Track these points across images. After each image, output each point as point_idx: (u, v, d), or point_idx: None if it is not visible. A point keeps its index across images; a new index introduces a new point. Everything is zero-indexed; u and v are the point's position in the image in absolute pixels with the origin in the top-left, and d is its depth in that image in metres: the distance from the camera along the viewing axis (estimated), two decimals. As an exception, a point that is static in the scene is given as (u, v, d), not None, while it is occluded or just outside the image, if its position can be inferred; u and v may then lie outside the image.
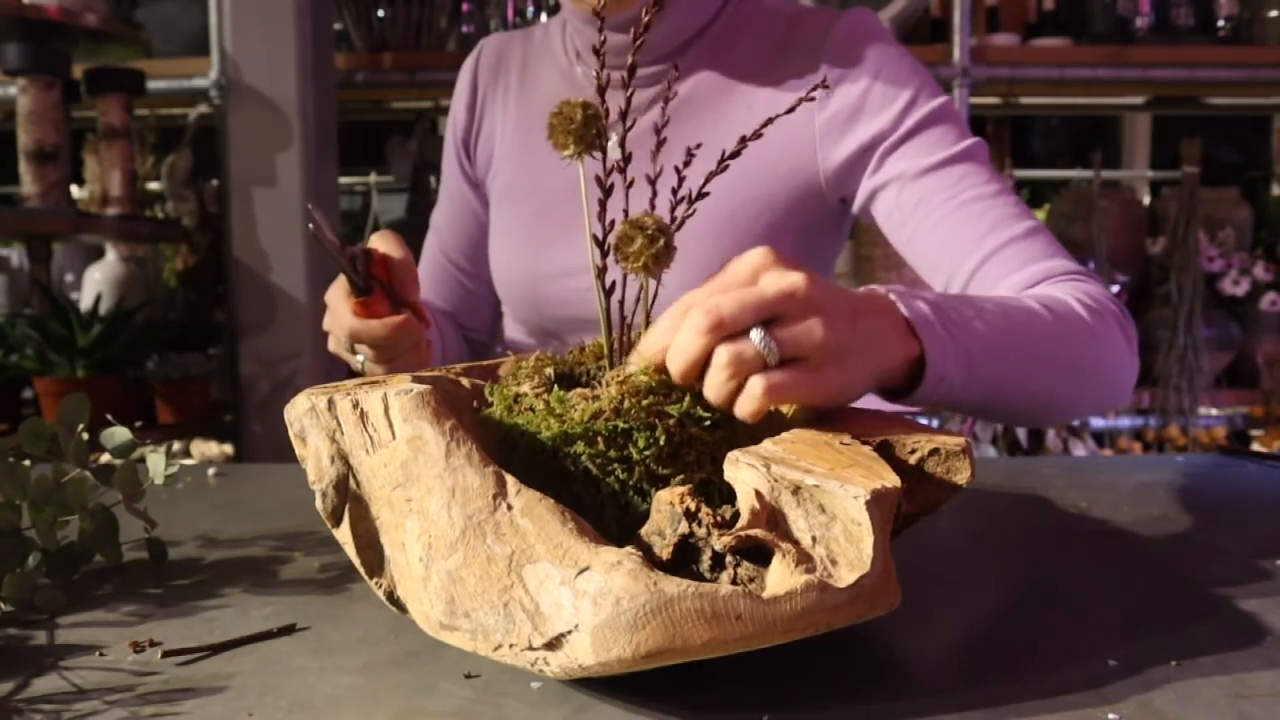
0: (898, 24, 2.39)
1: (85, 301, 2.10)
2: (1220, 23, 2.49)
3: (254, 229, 2.05)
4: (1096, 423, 2.62)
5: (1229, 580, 0.59)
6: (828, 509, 0.42)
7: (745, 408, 0.47)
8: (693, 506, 0.41)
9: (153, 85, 2.13)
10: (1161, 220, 2.60)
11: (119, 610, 0.55)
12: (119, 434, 0.66)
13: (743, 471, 0.44)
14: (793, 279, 0.49)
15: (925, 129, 0.85)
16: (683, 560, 0.41)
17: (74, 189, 2.24)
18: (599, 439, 0.47)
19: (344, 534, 0.48)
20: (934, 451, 0.48)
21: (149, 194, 2.46)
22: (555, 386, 0.50)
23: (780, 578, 0.39)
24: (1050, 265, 0.78)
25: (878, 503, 0.41)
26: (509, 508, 0.42)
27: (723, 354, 0.47)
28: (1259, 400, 2.59)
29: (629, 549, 0.39)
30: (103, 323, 1.85)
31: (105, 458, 0.66)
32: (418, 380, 0.49)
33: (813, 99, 0.51)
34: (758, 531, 0.40)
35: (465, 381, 0.56)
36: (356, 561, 0.48)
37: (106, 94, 2.00)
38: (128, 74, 2.03)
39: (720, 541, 0.40)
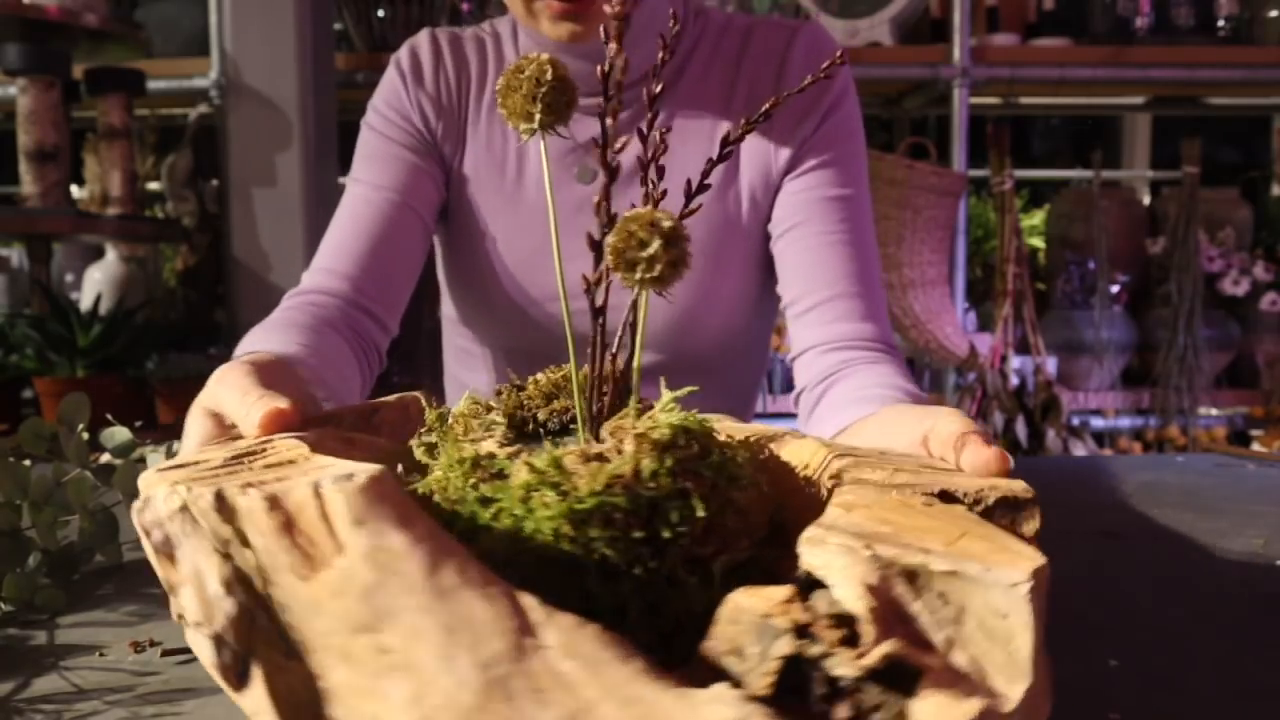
0: (897, 24, 2.39)
1: (85, 301, 2.10)
2: (1220, 23, 2.49)
3: (254, 229, 2.05)
4: (1096, 423, 2.63)
5: (1229, 580, 0.59)
6: (952, 599, 0.31)
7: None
8: (802, 619, 0.30)
9: (153, 85, 2.13)
10: (1161, 220, 2.60)
11: (119, 610, 0.55)
12: (119, 434, 0.66)
13: (836, 556, 0.32)
14: None
15: (844, 163, 0.92)
16: (782, 688, 0.30)
17: (74, 189, 2.24)
18: (617, 515, 0.34)
19: (256, 700, 0.33)
20: (1001, 501, 0.40)
21: (149, 194, 2.46)
22: (536, 444, 0.39)
23: (936, 710, 0.28)
24: (857, 328, 0.87)
25: (1038, 590, 0.31)
26: (540, 647, 0.28)
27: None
28: (1259, 400, 2.59)
29: (734, 691, 0.28)
30: (103, 323, 1.85)
31: (105, 458, 0.66)
32: (314, 437, 0.38)
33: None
34: (900, 646, 0.29)
35: (360, 440, 0.44)
36: None
37: (106, 94, 2.00)
38: (128, 74, 2.03)
39: (857, 665, 0.28)
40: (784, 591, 0.30)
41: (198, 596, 0.33)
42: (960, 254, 2.40)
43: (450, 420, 0.43)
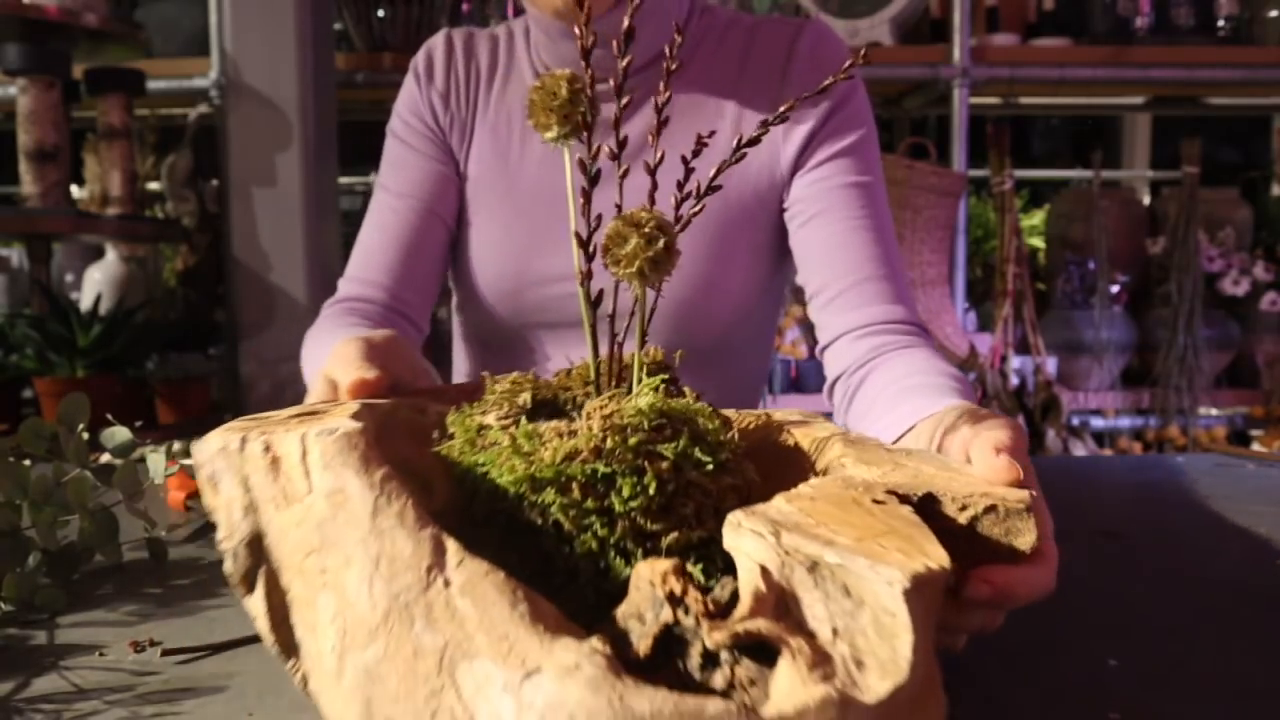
0: (897, 24, 2.39)
1: (85, 301, 2.10)
2: (1220, 23, 2.49)
3: (254, 229, 2.05)
4: (1096, 423, 2.62)
5: (1229, 580, 0.59)
6: (854, 592, 0.33)
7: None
8: (677, 589, 0.33)
9: (153, 85, 2.13)
10: (1161, 220, 2.60)
11: (119, 610, 0.55)
12: (119, 434, 0.66)
13: (746, 540, 0.35)
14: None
15: (859, 151, 0.93)
16: (665, 652, 0.32)
17: (74, 189, 2.24)
18: (574, 485, 0.39)
19: (256, 604, 0.39)
20: (990, 509, 0.40)
21: (149, 194, 2.46)
22: (526, 417, 0.43)
23: (789, 688, 0.30)
24: (887, 310, 0.88)
25: (919, 590, 0.32)
26: (445, 583, 0.33)
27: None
28: (1259, 400, 2.59)
29: (594, 643, 0.31)
30: (103, 323, 1.85)
31: (105, 458, 0.66)
32: (364, 411, 0.42)
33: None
34: (761, 624, 0.32)
35: (432, 409, 0.49)
36: (269, 640, 0.39)
37: (106, 94, 2.00)
38: (128, 74, 2.03)
39: (713, 638, 0.31)
40: (668, 564, 0.33)
41: (226, 519, 0.39)
42: (960, 254, 2.40)
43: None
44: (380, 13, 2.29)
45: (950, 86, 2.33)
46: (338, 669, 0.34)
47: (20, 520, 0.59)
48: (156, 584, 0.60)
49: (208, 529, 0.74)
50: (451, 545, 0.34)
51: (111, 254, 2.27)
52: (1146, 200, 3.00)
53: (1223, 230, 2.57)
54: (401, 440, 0.42)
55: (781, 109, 0.46)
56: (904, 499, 0.40)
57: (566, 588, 0.39)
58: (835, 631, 0.32)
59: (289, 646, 0.38)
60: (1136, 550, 0.66)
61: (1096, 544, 0.68)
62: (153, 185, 2.43)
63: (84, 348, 1.82)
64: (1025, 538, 0.40)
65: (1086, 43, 2.47)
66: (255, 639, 0.50)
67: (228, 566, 0.39)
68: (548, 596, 0.33)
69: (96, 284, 2.21)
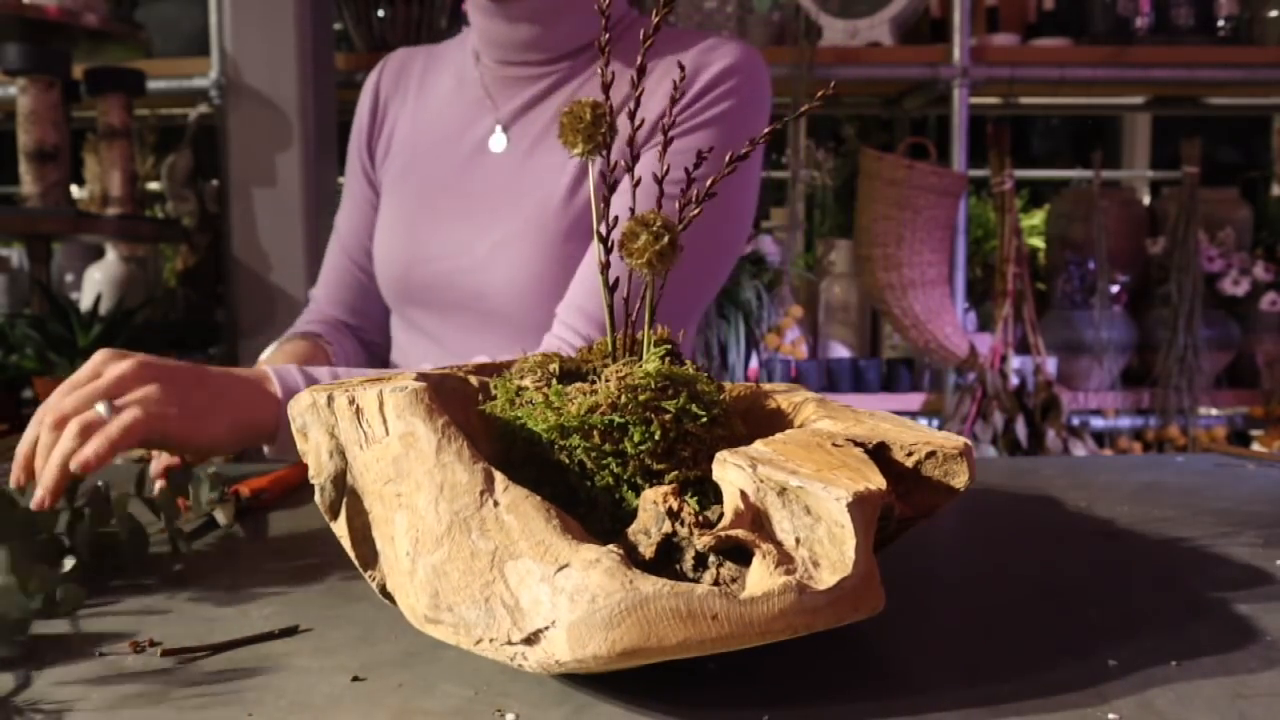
0: (897, 24, 2.39)
1: (85, 301, 2.10)
2: (1220, 23, 2.49)
3: (254, 229, 2.05)
4: (1096, 423, 2.62)
5: (1229, 580, 0.59)
6: (813, 510, 0.41)
7: (89, 450, 0.61)
8: (675, 506, 0.42)
9: (153, 85, 2.13)
10: (1161, 220, 2.60)
11: (119, 610, 0.55)
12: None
13: (729, 471, 0.44)
14: (124, 364, 0.66)
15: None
16: (666, 560, 0.41)
17: (74, 189, 2.24)
18: (594, 432, 0.47)
19: (340, 527, 0.49)
20: (931, 454, 0.48)
21: (149, 194, 2.46)
22: (556, 381, 0.51)
23: (759, 578, 0.39)
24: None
25: (860, 505, 0.41)
26: (495, 504, 0.42)
27: (73, 426, 0.62)
28: (1259, 400, 2.59)
29: (610, 547, 0.40)
30: (103, 323, 1.85)
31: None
32: (420, 378, 0.49)
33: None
34: (738, 532, 0.40)
35: (473, 380, 0.56)
36: (352, 555, 0.48)
37: (106, 94, 2.00)
38: (128, 74, 2.03)
39: (701, 541, 0.40)
40: (669, 487, 0.43)
41: (315, 459, 0.48)
42: (960, 254, 2.40)
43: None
44: (380, 13, 2.29)
45: (950, 86, 2.33)
46: (411, 569, 0.44)
47: (57, 524, 0.60)
48: (157, 584, 0.60)
49: (207, 528, 0.74)
50: (498, 476, 0.43)
51: (111, 254, 2.26)
52: (1146, 200, 3.00)
53: (1223, 230, 2.57)
54: (450, 403, 0.49)
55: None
56: (861, 446, 0.48)
57: (588, 516, 0.47)
58: (798, 540, 0.41)
59: (368, 558, 0.48)
60: (1136, 550, 0.66)
61: (1096, 544, 0.68)
62: (153, 185, 2.43)
63: (84, 348, 1.82)
64: (960, 478, 0.48)
65: (1086, 43, 2.47)
66: (255, 639, 0.50)
67: (318, 498, 0.48)
68: None
69: (96, 284, 2.21)
